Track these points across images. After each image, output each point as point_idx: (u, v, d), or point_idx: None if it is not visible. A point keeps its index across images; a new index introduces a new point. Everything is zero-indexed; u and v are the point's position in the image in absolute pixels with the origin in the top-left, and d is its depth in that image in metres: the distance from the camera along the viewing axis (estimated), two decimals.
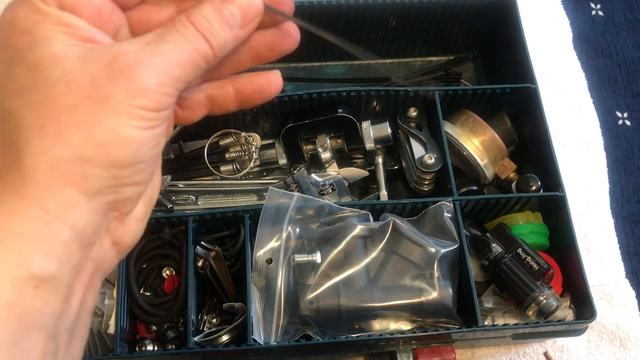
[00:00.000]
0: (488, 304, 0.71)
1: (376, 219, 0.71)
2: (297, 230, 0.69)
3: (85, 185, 0.32)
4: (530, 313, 0.68)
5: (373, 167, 0.79)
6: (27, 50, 0.32)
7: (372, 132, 0.77)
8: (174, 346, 0.67)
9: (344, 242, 0.68)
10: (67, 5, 0.33)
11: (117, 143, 0.32)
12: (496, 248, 0.70)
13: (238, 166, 0.79)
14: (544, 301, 0.67)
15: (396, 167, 0.80)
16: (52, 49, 0.32)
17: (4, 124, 0.32)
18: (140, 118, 0.32)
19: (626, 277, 0.83)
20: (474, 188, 0.78)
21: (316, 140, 0.77)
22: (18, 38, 0.32)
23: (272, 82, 0.42)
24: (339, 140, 0.78)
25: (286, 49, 0.42)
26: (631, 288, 0.82)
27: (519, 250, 0.69)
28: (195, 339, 0.64)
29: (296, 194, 0.70)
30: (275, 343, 0.64)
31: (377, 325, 0.67)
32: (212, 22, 0.35)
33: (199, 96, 0.40)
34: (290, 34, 0.42)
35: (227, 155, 0.78)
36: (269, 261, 0.67)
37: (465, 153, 0.76)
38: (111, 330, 0.68)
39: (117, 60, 0.32)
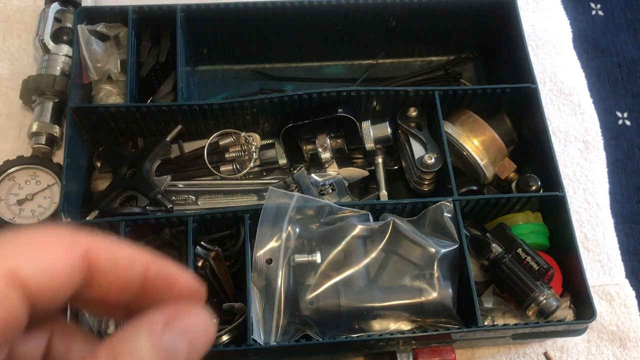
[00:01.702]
0: (488, 304, 0.71)
1: (376, 219, 0.71)
2: (297, 230, 0.69)
3: None
4: (530, 313, 0.68)
5: (373, 167, 0.79)
6: None
7: (372, 132, 0.77)
8: None
9: (344, 242, 0.68)
10: None
11: None
12: (496, 248, 0.70)
13: (238, 166, 0.79)
14: (544, 301, 0.67)
15: (396, 167, 0.80)
16: None
17: None
18: None
19: (626, 277, 0.83)
20: (474, 188, 0.78)
21: (316, 140, 0.77)
22: None
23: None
24: (339, 140, 0.78)
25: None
26: (631, 288, 0.82)
27: (519, 251, 0.69)
28: None
29: (296, 194, 0.70)
30: (275, 343, 0.64)
31: (377, 325, 0.67)
32: None
33: None
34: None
35: (227, 155, 0.78)
36: (269, 261, 0.67)
37: (465, 153, 0.76)
38: (111, 330, 0.67)
39: None
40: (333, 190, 0.76)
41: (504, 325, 0.68)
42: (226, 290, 0.69)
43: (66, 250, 0.26)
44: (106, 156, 0.77)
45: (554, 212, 0.74)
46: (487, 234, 0.72)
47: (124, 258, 0.28)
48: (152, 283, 0.28)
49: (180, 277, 0.29)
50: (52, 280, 0.25)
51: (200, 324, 0.27)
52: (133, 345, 0.25)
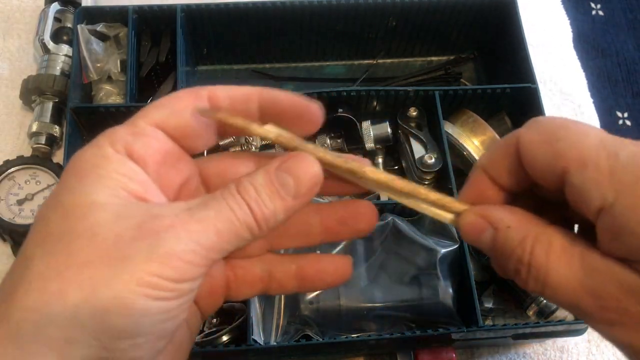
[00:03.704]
0: (488, 304, 0.71)
1: None
2: None
3: (68, 352, 0.28)
4: (531, 313, 0.68)
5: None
6: (72, 192, 0.31)
7: (372, 132, 0.77)
8: None
9: (343, 242, 0.68)
10: (135, 153, 0.32)
11: (117, 308, 0.28)
12: None
13: None
14: (544, 301, 0.67)
15: (396, 167, 0.80)
16: (93, 198, 0.30)
17: (18, 268, 0.30)
18: (152, 286, 0.29)
19: None
20: None
21: (316, 140, 0.77)
22: (71, 178, 0.31)
23: (338, 267, 0.38)
24: (339, 140, 0.78)
25: (362, 226, 0.38)
26: None
27: None
28: (195, 339, 0.64)
29: None
30: (275, 343, 0.64)
31: (377, 325, 0.67)
32: (260, 191, 0.32)
33: (256, 268, 0.38)
34: (366, 210, 0.38)
35: None
36: None
37: (465, 153, 0.76)
38: None
39: (149, 222, 0.30)
40: None
41: (504, 325, 0.68)
42: None
43: (191, 99, 0.35)
44: None
45: None
46: None
47: (239, 95, 0.36)
48: (267, 108, 0.35)
49: (286, 98, 0.36)
50: (185, 120, 0.34)
51: (305, 164, 0.34)
52: (252, 178, 0.33)
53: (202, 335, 0.66)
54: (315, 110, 0.35)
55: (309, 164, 0.34)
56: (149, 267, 0.29)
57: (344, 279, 0.38)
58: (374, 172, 0.35)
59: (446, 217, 0.36)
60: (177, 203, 0.32)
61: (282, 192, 0.33)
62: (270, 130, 0.35)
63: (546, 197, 0.35)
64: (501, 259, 0.33)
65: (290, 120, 0.35)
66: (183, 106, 0.35)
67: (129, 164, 0.32)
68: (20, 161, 0.78)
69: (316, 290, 0.39)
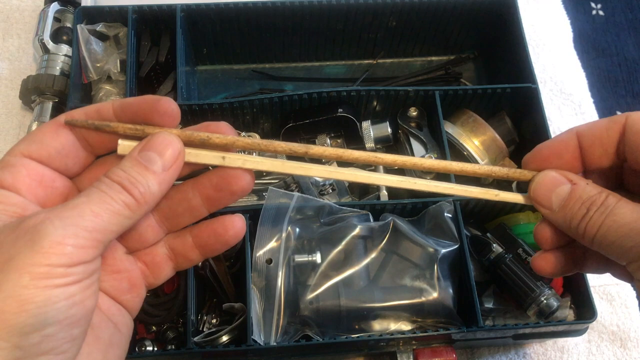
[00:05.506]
0: (488, 305, 0.71)
1: (376, 219, 0.71)
2: (297, 230, 0.69)
3: None
4: (531, 313, 0.67)
5: (373, 167, 0.79)
6: None
7: (372, 132, 0.77)
8: (173, 346, 0.67)
9: (344, 242, 0.68)
10: (4, 183, 0.36)
11: (14, 306, 0.30)
12: (496, 248, 0.70)
13: None
14: (545, 301, 0.67)
15: (396, 167, 0.80)
16: None
17: None
18: (45, 276, 0.30)
19: None
20: None
21: (316, 140, 0.77)
22: None
23: (227, 226, 0.41)
24: (339, 140, 0.78)
25: (235, 188, 0.40)
26: (632, 288, 0.82)
27: (520, 251, 0.69)
28: (195, 339, 0.64)
29: (296, 194, 0.70)
30: (275, 343, 0.64)
31: (377, 325, 0.67)
32: (129, 171, 0.36)
33: (160, 250, 0.42)
34: (237, 173, 0.40)
35: None
36: (269, 261, 0.67)
37: (465, 153, 0.76)
38: None
39: (26, 222, 0.32)
40: (333, 190, 0.76)
41: (505, 325, 0.68)
42: (226, 290, 0.69)
43: (50, 126, 0.39)
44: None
45: None
46: (488, 234, 0.71)
47: (92, 109, 0.39)
48: (121, 111, 0.38)
49: (136, 99, 0.38)
50: (45, 145, 0.38)
51: (162, 139, 0.37)
52: (120, 165, 0.36)
53: (202, 335, 0.66)
54: (165, 102, 0.38)
55: (165, 137, 0.37)
56: (35, 259, 0.30)
57: (238, 234, 0.41)
58: (220, 137, 0.39)
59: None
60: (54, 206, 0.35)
61: (150, 167, 0.36)
62: (119, 125, 0.38)
63: (628, 183, 0.40)
64: (572, 208, 0.38)
65: (146, 116, 0.38)
66: (43, 134, 0.38)
67: (1, 192, 0.35)
68: None
69: (220, 252, 0.42)
